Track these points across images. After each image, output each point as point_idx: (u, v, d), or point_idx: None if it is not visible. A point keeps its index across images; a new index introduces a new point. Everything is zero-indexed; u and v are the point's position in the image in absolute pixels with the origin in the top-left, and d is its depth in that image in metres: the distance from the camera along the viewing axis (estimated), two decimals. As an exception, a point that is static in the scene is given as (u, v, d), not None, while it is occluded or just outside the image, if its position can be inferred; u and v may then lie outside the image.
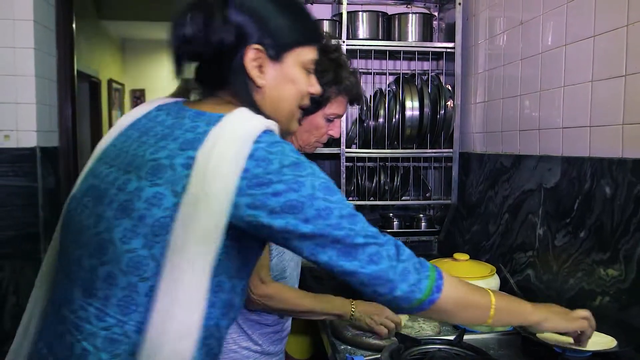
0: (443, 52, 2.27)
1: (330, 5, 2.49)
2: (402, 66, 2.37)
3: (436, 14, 2.47)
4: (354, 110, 2.41)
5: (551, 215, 1.55)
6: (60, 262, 0.88)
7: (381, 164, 2.37)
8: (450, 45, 2.21)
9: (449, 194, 2.28)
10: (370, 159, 2.41)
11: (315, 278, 1.81)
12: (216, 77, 0.89)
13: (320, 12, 2.46)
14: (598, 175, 1.34)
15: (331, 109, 1.31)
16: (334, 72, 1.27)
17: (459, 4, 2.17)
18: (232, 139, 0.76)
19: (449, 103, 2.19)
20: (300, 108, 0.96)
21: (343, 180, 2.22)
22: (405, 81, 2.27)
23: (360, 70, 2.41)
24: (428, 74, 2.30)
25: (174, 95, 0.99)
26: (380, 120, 2.26)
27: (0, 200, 2.19)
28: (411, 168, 2.45)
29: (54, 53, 2.45)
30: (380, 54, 2.37)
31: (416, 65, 2.39)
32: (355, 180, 2.33)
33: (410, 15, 2.31)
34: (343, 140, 2.17)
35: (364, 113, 2.32)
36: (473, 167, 2.13)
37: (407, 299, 0.81)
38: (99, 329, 0.76)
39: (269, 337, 1.35)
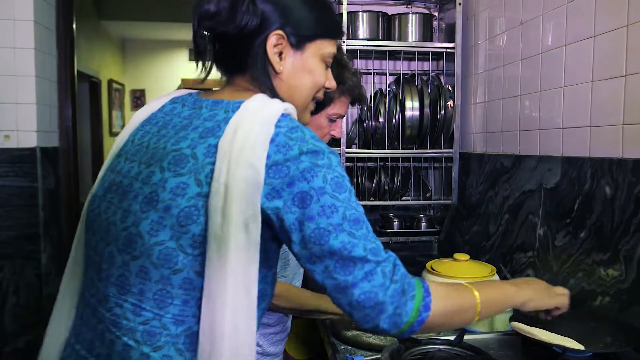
0: (443, 52, 2.27)
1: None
2: (402, 66, 2.37)
3: (436, 14, 2.47)
4: (354, 111, 2.41)
5: (551, 216, 1.55)
6: (88, 263, 0.87)
7: (381, 164, 2.37)
8: (451, 45, 2.21)
9: (449, 194, 2.28)
10: (371, 159, 2.41)
11: None
12: (236, 60, 0.88)
13: (321, 12, 2.45)
14: (598, 176, 1.34)
15: (334, 109, 1.32)
16: (336, 72, 1.28)
17: (459, 4, 2.17)
18: (253, 123, 0.76)
19: (449, 103, 2.19)
20: (315, 100, 0.96)
21: (343, 181, 2.21)
22: (405, 81, 2.27)
23: (360, 70, 2.40)
24: (428, 74, 2.30)
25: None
26: (381, 120, 2.26)
27: (0, 201, 2.19)
28: (411, 168, 2.45)
29: (54, 53, 2.45)
30: (381, 54, 2.37)
31: (416, 66, 2.39)
32: (355, 180, 2.33)
33: (410, 15, 2.30)
34: (343, 140, 2.17)
35: (364, 113, 2.33)
36: (473, 168, 2.13)
37: (395, 324, 0.77)
38: (137, 324, 0.77)
39: (270, 337, 1.35)
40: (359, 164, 2.39)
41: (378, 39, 2.29)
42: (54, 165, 2.42)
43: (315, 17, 0.89)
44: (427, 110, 2.19)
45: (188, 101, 0.90)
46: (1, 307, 2.22)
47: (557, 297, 1.04)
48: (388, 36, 2.33)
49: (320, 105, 1.28)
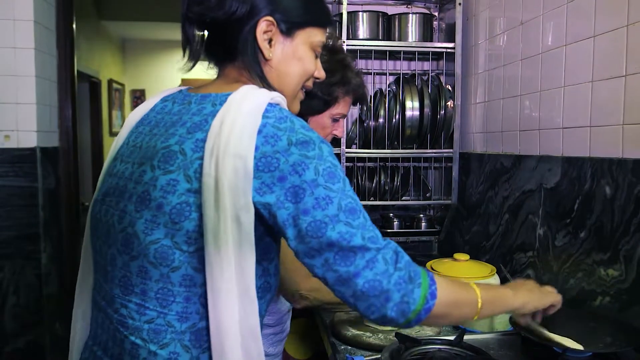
0: (443, 52, 2.27)
1: (330, 5, 2.48)
2: (402, 66, 2.37)
3: (436, 14, 2.47)
4: (354, 111, 2.41)
5: (551, 216, 1.55)
6: (96, 267, 0.89)
7: (381, 164, 2.37)
8: (451, 45, 2.21)
9: (449, 194, 2.28)
10: (371, 159, 2.41)
11: None
12: (225, 48, 0.88)
13: (320, 12, 2.45)
14: (598, 176, 1.34)
15: (337, 109, 1.34)
16: (341, 72, 1.29)
17: (459, 4, 2.17)
18: (238, 114, 0.75)
19: (449, 103, 2.19)
20: (304, 89, 0.96)
21: (343, 181, 2.21)
22: (405, 81, 2.27)
23: (360, 70, 2.40)
24: (428, 74, 2.30)
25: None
26: (381, 120, 2.26)
27: (0, 201, 2.20)
28: (411, 168, 2.45)
29: (54, 53, 2.45)
30: (381, 54, 2.37)
31: (416, 66, 2.39)
32: (355, 180, 2.33)
33: (410, 15, 2.31)
34: (343, 140, 2.17)
35: (364, 113, 2.33)
36: (473, 167, 2.13)
37: (402, 312, 0.76)
38: (142, 323, 0.78)
39: (270, 338, 1.35)
40: (359, 164, 2.39)
41: (378, 39, 2.29)
42: (54, 165, 2.42)
43: (305, 5, 0.89)
44: (427, 110, 2.19)
45: (178, 98, 0.90)
46: (1, 307, 2.22)
47: (550, 295, 1.05)
48: (388, 36, 2.33)
49: (325, 105, 1.30)
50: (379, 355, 1.16)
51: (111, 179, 0.87)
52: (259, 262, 0.79)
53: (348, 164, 2.33)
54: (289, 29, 0.88)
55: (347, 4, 2.17)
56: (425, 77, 2.33)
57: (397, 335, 1.21)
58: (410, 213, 2.54)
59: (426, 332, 1.39)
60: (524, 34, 1.73)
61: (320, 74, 0.96)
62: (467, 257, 1.60)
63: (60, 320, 2.36)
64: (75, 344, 0.95)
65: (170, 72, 6.77)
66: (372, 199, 2.32)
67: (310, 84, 0.96)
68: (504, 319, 1.38)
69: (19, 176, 2.22)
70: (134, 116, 0.94)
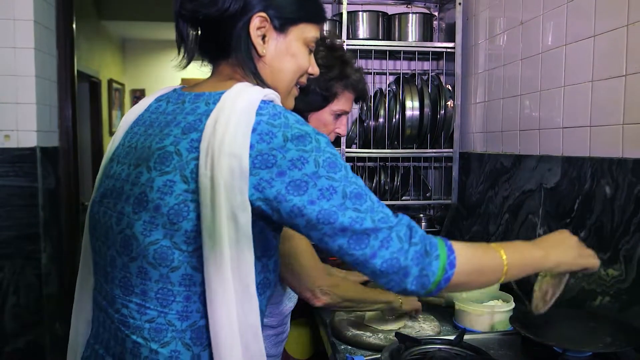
0: (443, 52, 2.27)
1: (330, 5, 2.48)
2: (402, 66, 2.37)
3: (436, 14, 2.47)
4: (354, 110, 2.41)
5: (551, 216, 1.55)
6: (96, 268, 0.89)
7: (381, 164, 2.37)
8: (451, 45, 2.21)
9: (449, 194, 2.28)
10: (371, 159, 2.41)
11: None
12: (219, 44, 0.87)
13: (320, 12, 2.45)
14: (598, 175, 1.34)
15: (338, 105, 1.33)
16: (339, 68, 1.29)
17: (459, 4, 2.17)
18: (231, 112, 0.75)
19: (449, 103, 2.20)
20: (298, 86, 0.95)
21: (343, 180, 2.21)
22: (405, 81, 2.27)
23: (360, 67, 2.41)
24: (428, 74, 2.30)
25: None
26: (381, 120, 2.26)
27: (0, 201, 2.19)
28: (411, 168, 2.45)
29: (54, 53, 2.45)
30: (381, 54, 2.37)
31: (416, 65, 2.39)
32: (355, 180, 2.33)
33: (410, 15, 2.31)
34: (343, 140, 2.17)
35: (364, 113, 2.33)
36: (473, 167, 2.13)
37: (422, 285, 0.76)
38: (143, 322, 0.79)
39: (271, 339, 1.35)
40: (359, 164, 2.39)
41: (378, 39, 2.29)
42: (54, 165, 2.42)
43: (299, 1, 0.89)
44: (427, 110, 2.20)
45: (172, 97, 0.90)
46: (1, 307, 2.22)
47: (587, 259, 0.99)
48: (388, 36, 2.33)
49: (324, 100, 1.29)
50: (379, 355, 1.16)
51: (108, 181, 0.87)
52: (258, 258, 0.80)
53: (348, 163, 2.32)
54: (282, 25, 0.87)
55: (347, 4, 2.17)
56: (425, 77, 2.33)
57: (397, 335, 1.21)
58: (410, 213, 2.53)
59: (426, 331, 1.39)
60: (524, 34, 1.73)
61: (314, 70, 0.96)
62: (467, 257, 1.60)
63: (60, 320, 2.36)
64: (78, 343, 0.95)
65: (170, 72, 6.73)
66: (372, 198, 2.31)
67: (304, 80, 0.96)
68: (504, 318, 1.39)
69: (19, 176, 2.22)
70: (129, 116, 0.94)
